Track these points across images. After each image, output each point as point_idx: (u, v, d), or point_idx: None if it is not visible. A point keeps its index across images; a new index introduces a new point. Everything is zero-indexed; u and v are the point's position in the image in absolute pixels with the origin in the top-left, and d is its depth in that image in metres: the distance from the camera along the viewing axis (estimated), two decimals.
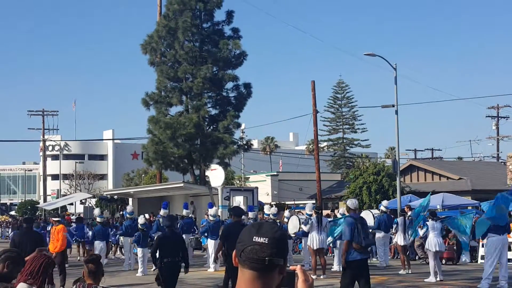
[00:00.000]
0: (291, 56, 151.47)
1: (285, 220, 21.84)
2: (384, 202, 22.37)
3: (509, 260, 15.17)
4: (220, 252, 12.68)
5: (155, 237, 13.72)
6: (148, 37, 37.36)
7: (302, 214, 23.82)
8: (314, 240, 17.49)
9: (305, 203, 29.85)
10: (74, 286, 5.77)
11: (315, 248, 17.43)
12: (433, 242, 16.01)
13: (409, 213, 20.13)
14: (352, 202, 11.62)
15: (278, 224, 20.23)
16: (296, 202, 43.97)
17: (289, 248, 21.08)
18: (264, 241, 2.31)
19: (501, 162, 49.62)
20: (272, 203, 40.79)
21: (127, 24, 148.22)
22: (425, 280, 15.95)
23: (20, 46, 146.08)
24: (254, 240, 2.32)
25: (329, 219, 19.83)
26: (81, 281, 5.84)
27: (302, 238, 21.06)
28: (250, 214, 21.66)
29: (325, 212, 20.35)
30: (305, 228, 18.37)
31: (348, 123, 69.32)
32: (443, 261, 21.71)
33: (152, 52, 37.40)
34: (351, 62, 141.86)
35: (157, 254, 11.36)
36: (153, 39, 37.05)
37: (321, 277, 16.89)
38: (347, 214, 12.34)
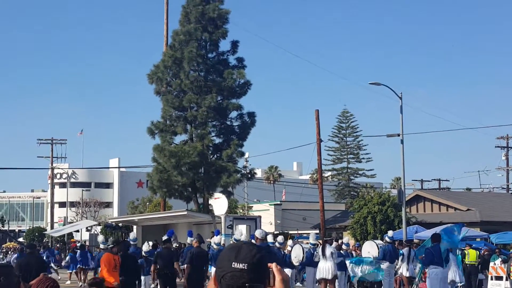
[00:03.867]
0: (296, 85, 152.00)
1: (289, 248, 21.74)
2: (389, 233, 22.19)
3: None
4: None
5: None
6: (154, 67, 37.85)
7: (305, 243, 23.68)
8: (320, 269, 17.34)
9: (308, 233, 29.79)
10: None
11: (318, 277, 17.30)
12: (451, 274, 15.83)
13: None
14: (259, 232, 12.71)
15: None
16: (300, 232, 43.83)
17: (292, 278, 21.08)
18: (243, 267, 2.28)
19: (511, 193, 49.16)
20: (276, 232, 40.70)
21: (134, 54, 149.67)
22: None
23: (30, 74, 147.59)
24: (233, 266, 2.28)
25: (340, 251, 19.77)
26: None
27: (306, 267, 20.88)
28: None
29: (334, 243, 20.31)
30: (316, 259, 18.26)
31: (353, 152, 69.17)
32: None
33: (158, 81, 37.82)
34: (356, 91, 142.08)
35: None
36: (159, 69, 37.52)
37: None
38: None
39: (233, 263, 2.30)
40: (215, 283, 2.37)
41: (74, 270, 28.28)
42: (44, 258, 29.76)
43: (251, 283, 2.29)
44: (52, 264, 26.94)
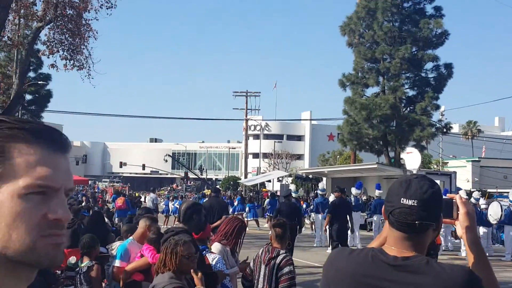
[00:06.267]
0: (497, 33, 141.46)
1: (483, 207, 20.58)
2: None
3: None
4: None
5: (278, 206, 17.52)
6: (347, 19, 37.51)
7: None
8: None
9: (509, 192, 27.82)
10: (261, 249, 6.04)
11: None
12: None
13: None
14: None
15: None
16: (499, 190, 41.20)
17: (489, 236, 19.95)
18: (413, 204, 2.11)
19: None
20: (472, 190, 38.76)
21: (325, 7, 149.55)
22: None
23: (227, 32, 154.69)
24: (402, 202, 2.12)
25: None
26: (268, 244, 6.09)
27: (504, 226, 19.67)
28: None
29: None
30: None
31: None
32: None
33: (351, 33, 37.42)
34: None
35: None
36: (352, 20, 37.08)
37: None
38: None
39: (402, 198, 2.13)
40: (385, 217, 2.23)
41: (252, 218, 29.34)
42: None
43: (421, 221, 2.10)
44: None
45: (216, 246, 6.24)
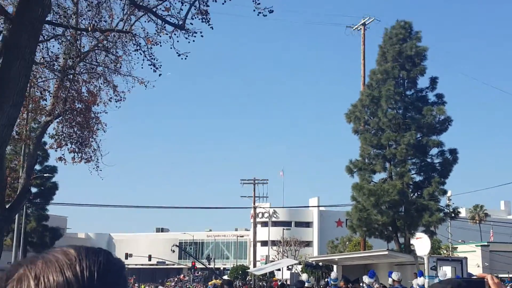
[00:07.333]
0: (498, 119, 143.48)
1: None
2: None
3: None
4: None
5: None
6: (352, 107, 38.48)
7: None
8: None
9: None
10: None
11: None
12: None
13: None
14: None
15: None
16: (511, 276, 40.79)
17: None
18: None
19: None
20: None
21: (331, 95, 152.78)
22: None
23: (234, 120, 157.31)
24: None
25: None
26: None
27: None
28: None
29: None
30: None
31: None
32: None
33: (356, 120, 38.30)
34: None
35: None
36: (357, 108, 38.05)
37: None
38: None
39: None
40: None
41: None
42: None
43: None
44: None
45: None
